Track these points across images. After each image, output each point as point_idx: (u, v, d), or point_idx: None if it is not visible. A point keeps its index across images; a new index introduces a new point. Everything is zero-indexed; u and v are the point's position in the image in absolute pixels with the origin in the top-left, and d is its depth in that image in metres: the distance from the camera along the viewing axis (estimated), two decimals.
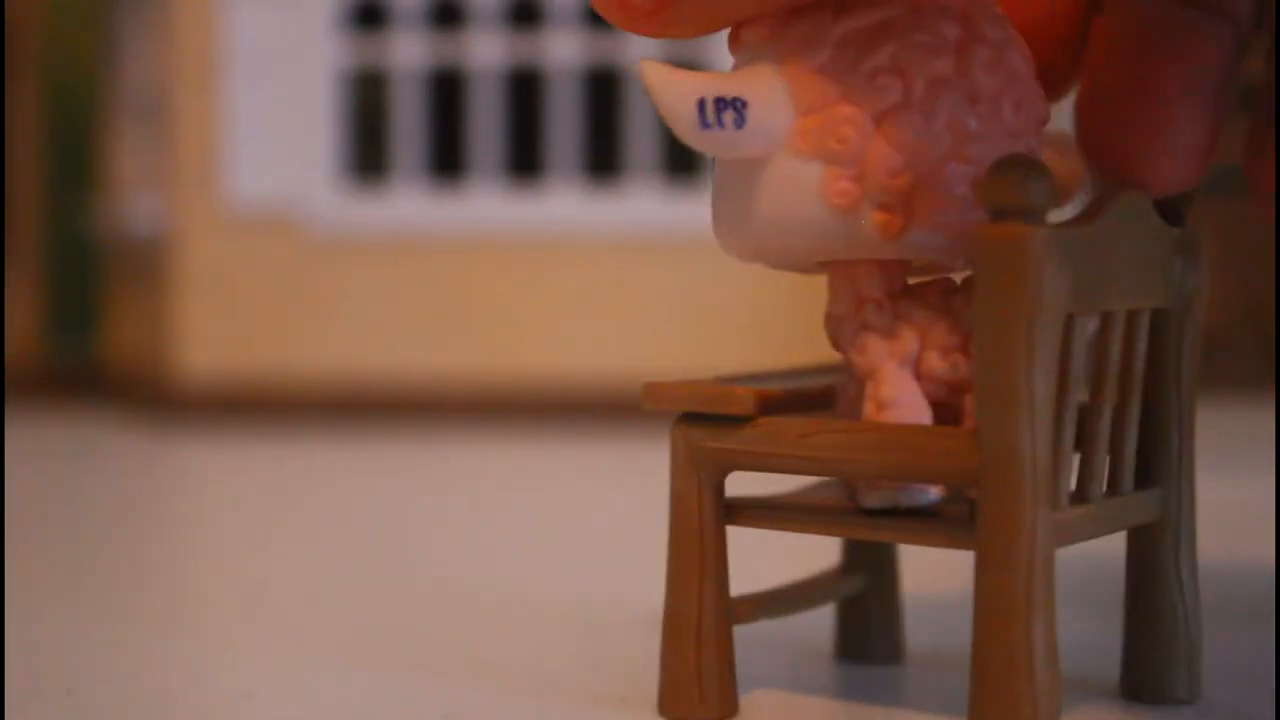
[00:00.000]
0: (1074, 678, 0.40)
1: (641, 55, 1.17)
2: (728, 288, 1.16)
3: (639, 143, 1.18)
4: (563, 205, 1.17)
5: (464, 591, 0.53)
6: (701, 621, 0.36)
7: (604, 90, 1.20)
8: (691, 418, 0.36)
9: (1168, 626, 0.38)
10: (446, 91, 1.21)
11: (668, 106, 0.33)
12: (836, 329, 0.35)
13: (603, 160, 1.19)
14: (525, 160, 1.21)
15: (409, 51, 1.20)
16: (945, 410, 0.35)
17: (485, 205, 1.19)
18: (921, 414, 0.34)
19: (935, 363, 0.34)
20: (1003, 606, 0.32)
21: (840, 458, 0.34)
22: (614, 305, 1.13)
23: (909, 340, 0.34)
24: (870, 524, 0.35)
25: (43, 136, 1.56)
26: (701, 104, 0.33)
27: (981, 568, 0.32)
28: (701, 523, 0.36)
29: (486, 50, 1.19)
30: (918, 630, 0.46)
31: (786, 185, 0.33)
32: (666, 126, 0.34)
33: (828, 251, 0.34)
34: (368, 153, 1.22)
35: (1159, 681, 0.38)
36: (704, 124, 0.33)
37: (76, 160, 1.57)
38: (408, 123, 1.20)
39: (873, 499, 0.35)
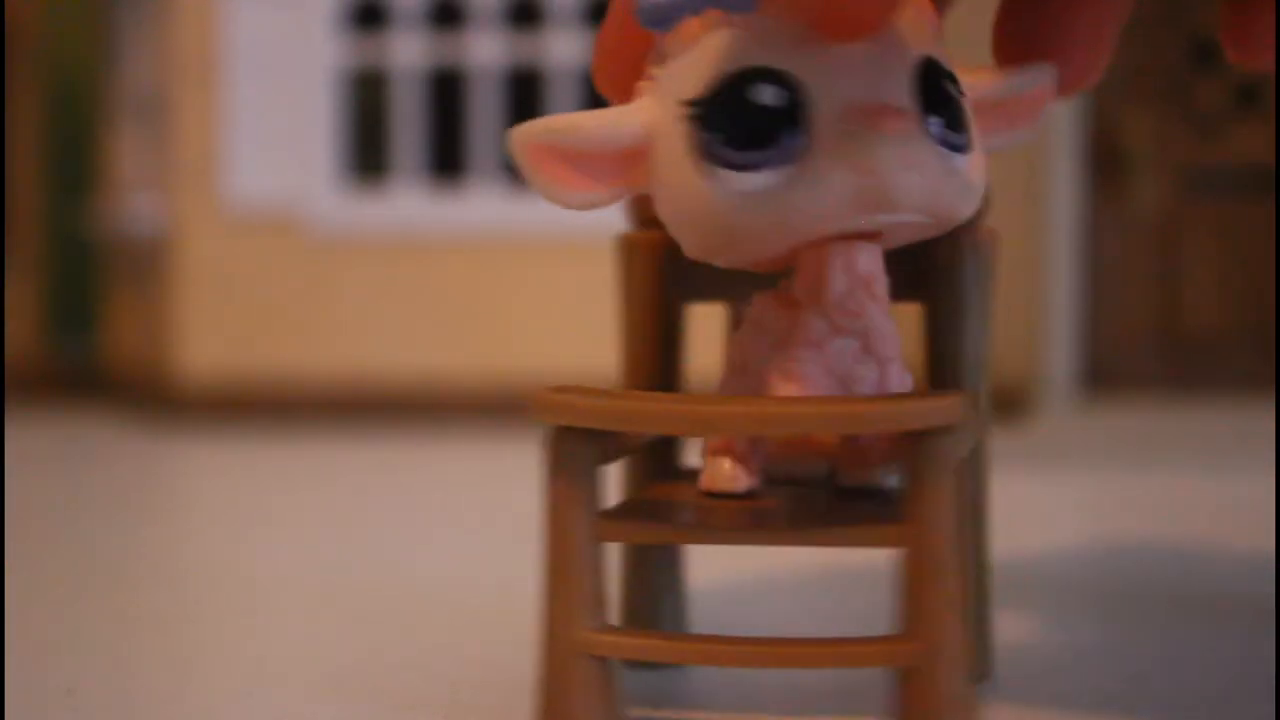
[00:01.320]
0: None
1: None
2: None
3: None
4: None
5: (464, 590, 0.53)
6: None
7: None
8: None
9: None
10: (446, 91, 1.21)
11: None
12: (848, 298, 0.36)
13: None
14: None
15: (409, 51, 1.20)
16: None
17: (485, 205, 1.19)
18: None
19: None
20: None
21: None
22: (613, 305, 1.13)
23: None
24: (801, 533, 0.35)
25: (43, 137, 1.56)
26: None
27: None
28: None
29: (486, 50, 1.19)
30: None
31: None
32: None
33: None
34: (368, 153, 1.21)
35: None
36: None
37: (76, 160, 1.57)
38: (407, 123, 1.20)
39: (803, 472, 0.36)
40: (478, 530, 0.68)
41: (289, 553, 0.62)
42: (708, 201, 0.34)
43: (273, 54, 1.17)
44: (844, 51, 0.34)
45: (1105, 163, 1.29)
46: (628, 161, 0.35)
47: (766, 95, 0.33)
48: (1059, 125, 1.25)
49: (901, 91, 0.34)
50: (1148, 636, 0.45)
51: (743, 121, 0.34)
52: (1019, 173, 1.21)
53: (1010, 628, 0.46)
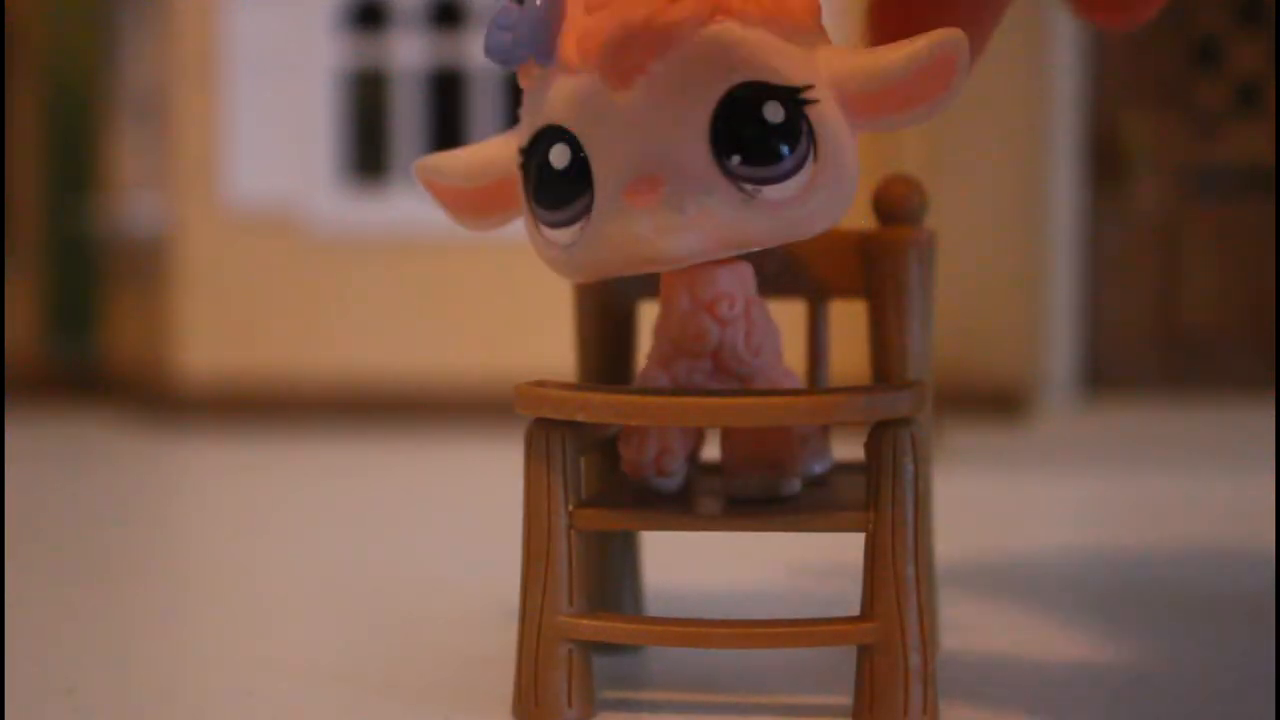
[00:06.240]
0: None
1: None
2: None
3: None
4: None
5: (465, 589, 0.53)
6: None
7: None
8: None
9: None
10: (446, 91, 1.21)
11: None
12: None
13: None
14: None
15: (409, 51, 1.20)
16: None
17: None
18: None
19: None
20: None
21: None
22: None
23: None
24: (758, 519, 0.36)
25: (43, 136, 1.56)
26: None
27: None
28: None
29: None
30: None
31: None
32: None
33: None
34: (368, 153, 1.22)
35: None
36: None
37: (76, 160, 1.57)
38: (407, 123, 1.20)
39: (747, 489, 0.36)
40: (477, 528, 0.68)
41: (288, 552, 0.62)
42: (534, 242, 0.36)
43: (273, 54, 1.17)
44: (629, 106, 0.34)
45: (1105, 163, 1.29)
46: (498, 193, 0.37)
47: (558, 157, 0.35)
48: (1059, 125, 1.25)
49: (684, 144, 0.34)
50: (1148, 636, 0.45)
51: (544, 181, 0.35)
52: (1019, 173, 1.21)
53: (1010, 627, 0.46)
